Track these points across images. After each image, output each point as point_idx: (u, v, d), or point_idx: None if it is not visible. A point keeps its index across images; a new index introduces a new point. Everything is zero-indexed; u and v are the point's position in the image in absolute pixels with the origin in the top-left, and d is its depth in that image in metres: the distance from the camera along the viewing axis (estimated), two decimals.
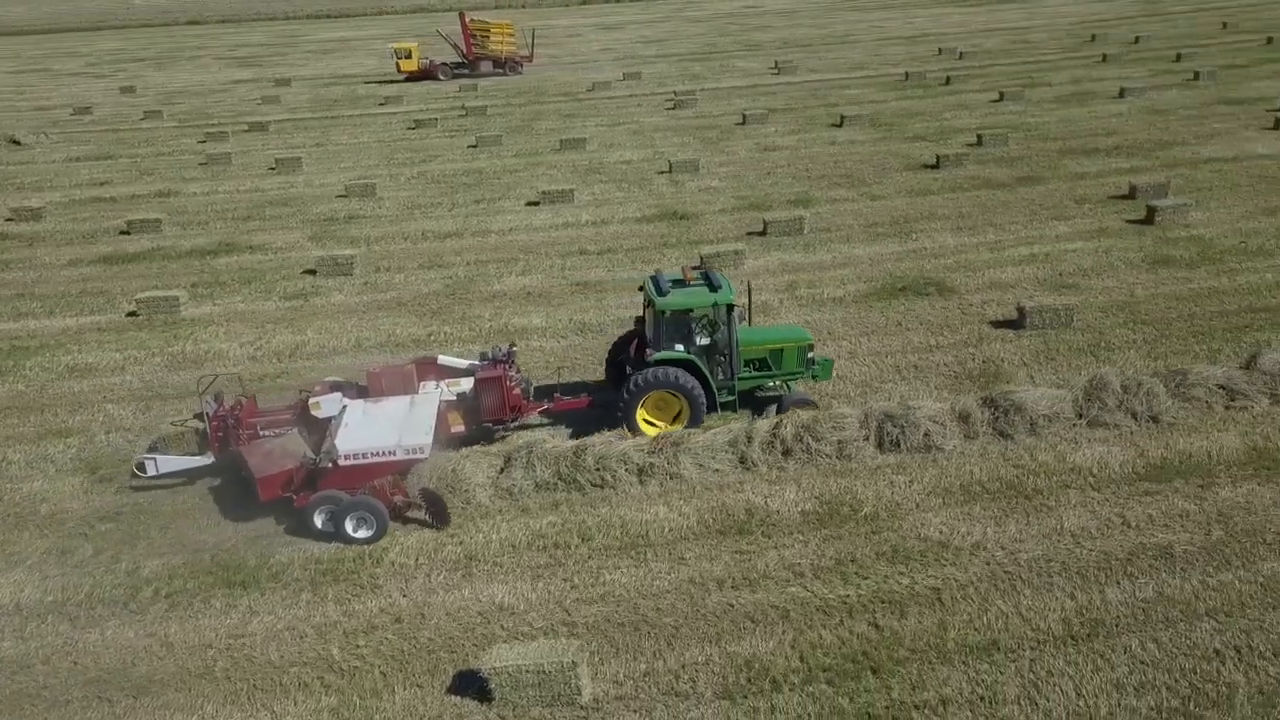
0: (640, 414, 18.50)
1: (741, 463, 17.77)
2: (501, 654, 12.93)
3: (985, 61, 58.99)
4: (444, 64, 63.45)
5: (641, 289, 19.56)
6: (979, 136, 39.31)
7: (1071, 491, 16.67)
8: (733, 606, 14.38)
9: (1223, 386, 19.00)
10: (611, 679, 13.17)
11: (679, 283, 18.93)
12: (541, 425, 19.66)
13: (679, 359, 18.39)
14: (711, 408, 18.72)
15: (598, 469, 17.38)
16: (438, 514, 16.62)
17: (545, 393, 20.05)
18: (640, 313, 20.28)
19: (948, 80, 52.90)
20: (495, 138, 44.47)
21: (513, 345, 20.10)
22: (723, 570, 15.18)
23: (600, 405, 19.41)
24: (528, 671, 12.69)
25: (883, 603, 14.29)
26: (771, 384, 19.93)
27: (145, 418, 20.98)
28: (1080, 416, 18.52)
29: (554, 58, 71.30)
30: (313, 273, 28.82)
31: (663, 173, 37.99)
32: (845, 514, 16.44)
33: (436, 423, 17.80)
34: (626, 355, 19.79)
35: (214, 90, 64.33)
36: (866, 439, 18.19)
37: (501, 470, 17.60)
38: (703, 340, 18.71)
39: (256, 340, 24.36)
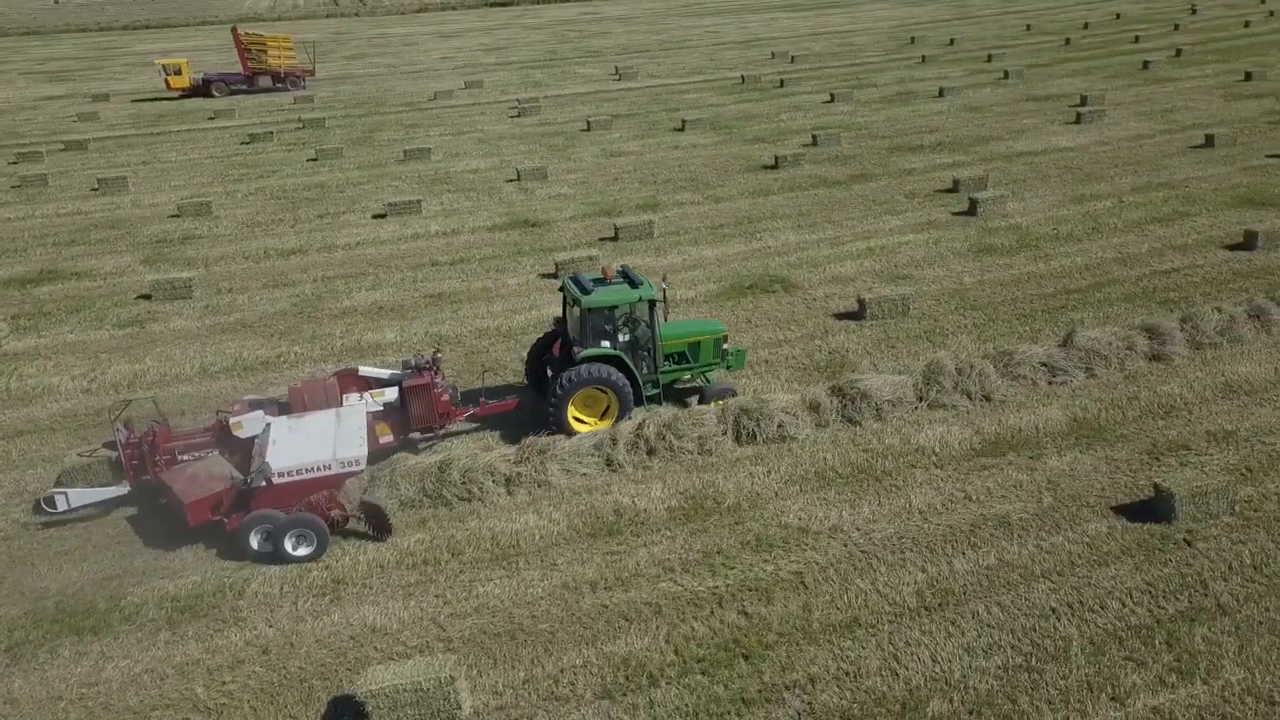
0: (570, 411, 18.78)
1: (608, 465, 18.06)
2: (377, 675, 12.74)
3: (815, 64, 61.49)
4: (220, 80, 61.08)
5: (562, 289, 19.84)
6: (814, 137, 40.99)
7: (917, 471, 17.70)
8: (607, 607, 14.63)
9: (1044, 364, 20.56)
10: (491, 690, 13.20)
11: (599, 281, 19.29)
12: (469, 431, 19.56)
13: (606, 355, 18.75)
14: (638, 401, 19.23)
15: (464, 482, 17.32)
16: (379, 525, 16.35)
17: (470, 398, 19.94)
18: (560, 314, 20.58)
19: (781, 83, 54.86)
20: (336, 150, 43.34)
21: (437, 352, 19.96)
22: (595, 572, 15.42)
23: (525, 407, 19.59)
24: (405, 691, 12.57)
25: (750, 590, 14.83)
26: (687, 376, 20.51)
27: None
28: (921, 399, 19.68)
29: (392, 67, 69.96)
30: (148, 297, 27.43)
31: (511, 181, 37.96)
32: (709, 507, 16.95)
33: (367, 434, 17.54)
34: (550, 356, 19.96)
35: (22, 107, 60.07)
36: (725, 433, 18.79)
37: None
38: (625, 336, 19.15)
39: (90, 372, 23.00)
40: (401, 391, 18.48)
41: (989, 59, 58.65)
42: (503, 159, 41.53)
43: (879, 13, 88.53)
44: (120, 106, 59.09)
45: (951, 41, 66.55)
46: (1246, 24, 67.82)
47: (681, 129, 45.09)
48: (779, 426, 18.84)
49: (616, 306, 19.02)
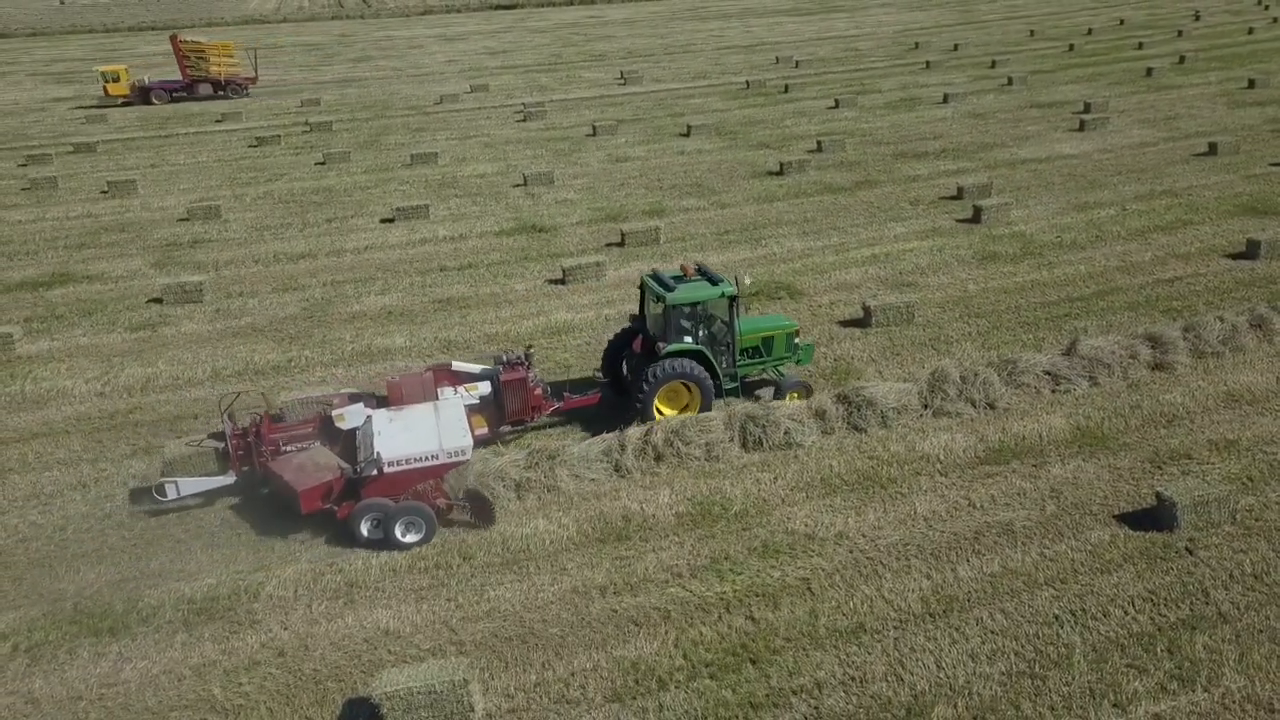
0: (655, 403, 19.54)
1: (616, 470, 18.29)
2: (391, 678, 12.97)
3: (820, 69, 61.71)
4: (159, 87, 61.09)
5: (641, 287, 20.40)
6: (818, 143, 41.20)
7: (922, 478, 17.92)
8: (616, 611, 14.85)
9: (1048, 372, 20.77)
10: (503, 693, 13.42)
11: (679, 279, 19.78)
12: (554, 424, 20.16)
13: (689, 350, 19.36)
14: (718, 394, 19.80)
15: (475, 487, 17.52)
16: (482, 513, 16.86)
17: (554, 392, 20.50)
18: (637, 311, 21.33)
19: (786, 88, 55.08)
20: (343, 154, 43.59)
21: (529, 348, 20.58)
22: (604, 577, 15.63)
23: (606, 401, 20.33)
24: (419, 693, 12.79)
25: (757, 596, 15.04)
26: (760, 370, 21.15)
27: None
28: (926, 407, 19.90)
29: (398, 70, 70.23)
30: (159, 301, 27.68)
31: (517, 186, 38.21)
32: (717, 513, 17.16)
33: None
34: (629, 352, 20.62)
35: (30, 109, 60.40)
36: (731, 440, 19.01)
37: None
38: (702, 331, 19.86)
39: (103, 376, 23.24)
40: (499, 385, 19.05)
41: (993, 65, 58.86)
42: (509, 163, 41.78)
43: (883, 17, 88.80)
44: (127, 109, 59.39)
45: (955, 47, 66.76)
46: (1250, 30, 68.01)
47: (687, 134, 45.32)
48: (785, 433, 19.06)
49: (699, 303, 19.60)
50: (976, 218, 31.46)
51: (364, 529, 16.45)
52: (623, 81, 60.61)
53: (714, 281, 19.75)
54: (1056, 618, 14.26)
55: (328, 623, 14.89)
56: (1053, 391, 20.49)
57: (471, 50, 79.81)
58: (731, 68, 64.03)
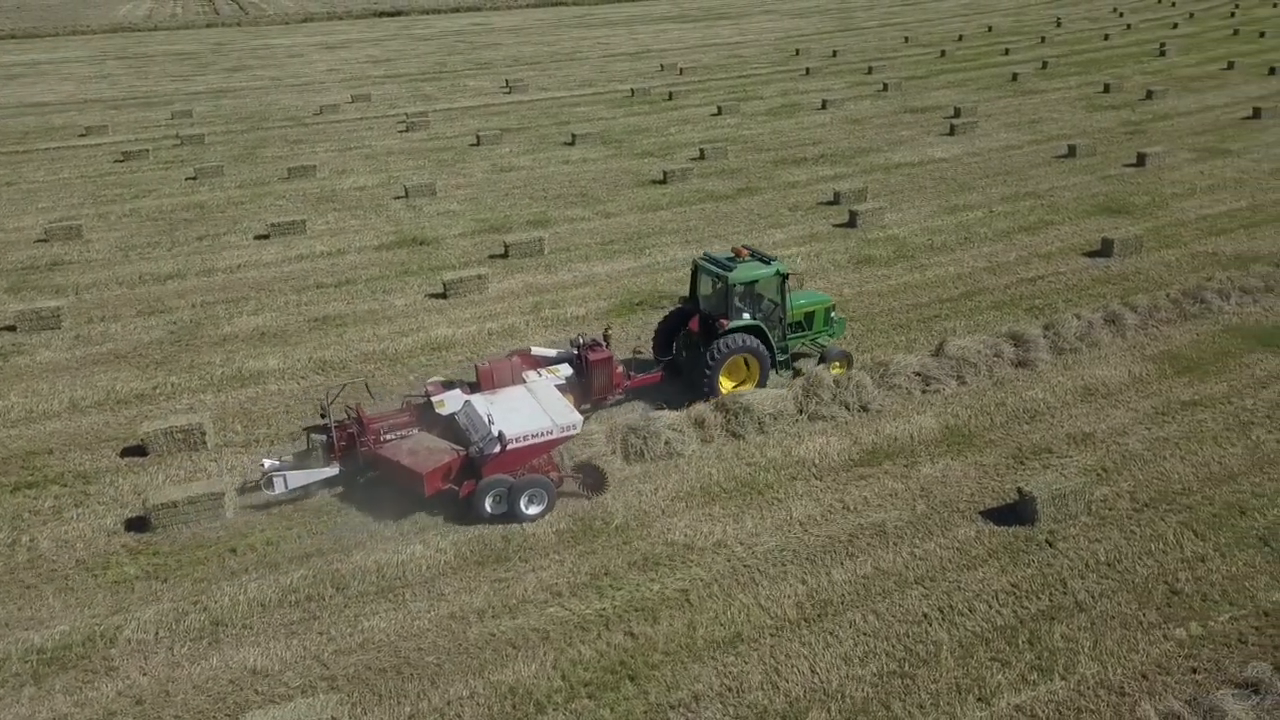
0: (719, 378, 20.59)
1: None
2: None
3: (704, 76, 62.45)
4: None
5: (695, 270, 21.35)
6: (701, 150, 41.66)
7: (798, 483, 18.21)
8: (494, 635, 14.64)
9: (918, 373, 21.38)
10: None
11: (732, 260, 20.73)
12: (625, 402, 20.91)
13: (750, 326, 20.44)
14: (772, 366, 21.04)
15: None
16: (595, 484, 17.76)
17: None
18: (687, 293, 22.47)
19: (670, 96, 55.55)
20: (216, 168, 42.10)
21: (608, 329, 20.99)
22: (482, 601, 15.40)
23: (667, 378, 21.35)
24: None
25: (636, 611, 15.03)
26: (801, 343, 22.38)
27: None
28: (801, 412, 20.25)
29: (276, 80, 68.26)
30: (12, 329, 26.21)
31: (399, 198, 37.53)
32: (598, 528, 17.10)
33: None
34: (687, 331, 21.59)
35: None
36: (614, 452, 18.98)
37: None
38: (755, 309, 20.95)
39: None
40: (588, 365, 19.88)
41: (869, 71, 60.50)
42: (390, 175, 41.02)
43: (765, 24, 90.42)
44: None
45: (834, 54, 68.40)
46: (1106, 37, 71.57)
47: (572, 143, 45.26)
48: (666, 443, 19.13)
49: (757, 281, 20.57)
50: (852, 222, 32.23)
51: (488, 505, 17.03)
52: (508, 90, 60.21)
53: (766, 261, 20.72)
54: (925, 616, 14.65)
55: (191, 665, 14.27)
56: (923, 392, 21.10)
57: (354, 59, 78.15)
58: (617, 75, 64.27)
